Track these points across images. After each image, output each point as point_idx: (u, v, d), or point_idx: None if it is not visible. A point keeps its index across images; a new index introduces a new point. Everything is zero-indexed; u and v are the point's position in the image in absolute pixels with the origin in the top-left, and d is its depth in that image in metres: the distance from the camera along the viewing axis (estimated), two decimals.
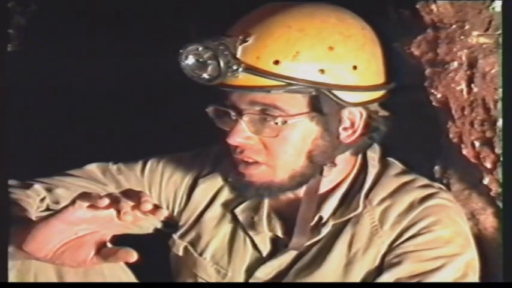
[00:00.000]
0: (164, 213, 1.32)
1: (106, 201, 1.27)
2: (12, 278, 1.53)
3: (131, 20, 1.95)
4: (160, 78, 1.53)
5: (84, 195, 1.31)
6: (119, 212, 1.29)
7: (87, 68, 2.00)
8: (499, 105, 1.41)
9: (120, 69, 1.99)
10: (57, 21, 2.02)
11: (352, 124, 1.51)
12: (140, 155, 1.72)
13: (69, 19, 2.02)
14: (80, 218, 1.31)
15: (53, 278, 1.55)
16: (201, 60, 1.42)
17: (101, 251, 1.35)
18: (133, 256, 1.32)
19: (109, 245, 1.39)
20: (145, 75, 1.88)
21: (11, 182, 1.63)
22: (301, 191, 1.56)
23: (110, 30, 1.97)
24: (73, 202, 1.31)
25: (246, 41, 1.43)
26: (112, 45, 1.96)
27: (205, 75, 1.42)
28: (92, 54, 1.98)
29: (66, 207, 1.32)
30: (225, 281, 1.63)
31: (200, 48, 1.42)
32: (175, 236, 1.68)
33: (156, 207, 1.28)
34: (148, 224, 1.71)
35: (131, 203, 1.27)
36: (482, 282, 1.46)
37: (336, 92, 1.45)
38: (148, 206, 1.26)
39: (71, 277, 1.55)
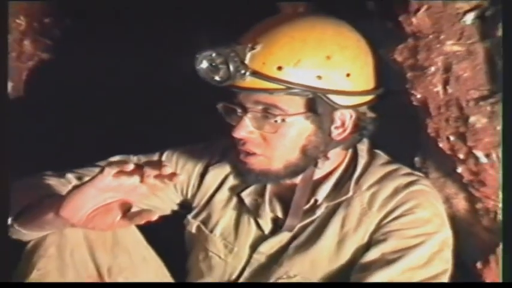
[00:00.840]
0: (180, 178, 1.36)
1: (131, 166, 1.31)
2: (51, 252, 1.52)
3: (154, 30, 1.95)
4: (179, 79, 1.53)
5: (111, 163, 1.35)
6: (141, 179, 1.32)
7: (112, 72, 2.01)
8: (471, 103, 1.40)
9: (141, 72, 1.99)
10: (86, 33, 2.04)
11: (343, 124, 1.52)
12: (160, 145, 1.72)
13: (96, 30, 2.03)
14: (108, 185, 1.33)
15: (85, 254, 1.55)
16: (213, 64, 1.44)
17: (126, 214, 1.37)
18: (155, 215, 1.35)
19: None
20: (165, 77, 1.89)
21: (47, 172, 1.64)
22: (298, 179, 1.56)
23: (134, 41, 1.98)
24: (102, 170, 1.33)
25: (254, 49, 1.44)
26: (137, 52, 1.97)
27: (217, 78, 1.44)
28: (118, 60, 1.99)
29: (96, 174, 1.35)
30: (232, 254, 1.63)
31: (213, 54, 1.43)
32: (189, 216, 1.69)
33: (174, 174, 1.32)
34: (167, 206, 1.71)
35: (153, 169, 1.31)
36: (482, 282, 1.46)
37: (330, 96, 1.46)
38: (168, 170, 1.30)
39: (101, 253, 1.56)
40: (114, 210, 1.37)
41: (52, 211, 1.41)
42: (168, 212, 1.71)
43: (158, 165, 1.33)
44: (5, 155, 1.59)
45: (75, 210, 1.37)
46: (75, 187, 1.41)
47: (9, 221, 1.51)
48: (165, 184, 1.36)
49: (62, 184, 1.60)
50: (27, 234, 1.53)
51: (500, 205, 1.41)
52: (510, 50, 1.30)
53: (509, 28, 1.30)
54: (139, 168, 1.33)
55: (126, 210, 1.38)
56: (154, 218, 1.36)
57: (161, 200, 1.69)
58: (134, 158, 1.70)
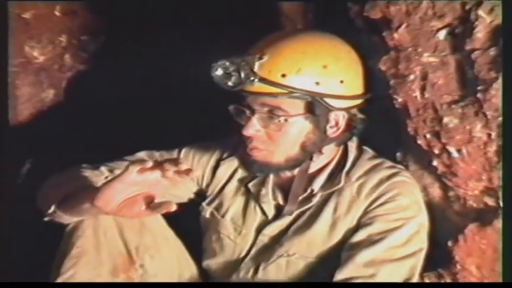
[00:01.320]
0: (195, 173, 1.42)
1: (150, 163, 1.36)
2: (88, 232, 1.57)
3: (175, 43, 2.00)
4: (197, 84, 1.59)
5: (134, 162, 1.40)
6: (162, 174, 1.36)
7: (137, 81, 2.07)
8: (444, 106, 1.44)
9: (164, 81, 2.04)
10: (116, 48, 2.10)
11: (337, 123, 1.56)
12: (179, 142, 1.75)
13: (124, 45, 2.09)
14: (133, 180, 1.38)
15: (116, 235, 1.60)
16: (227, 72, 1.48)
17: (150, 205, 1.41)
18: (174, 206, 1.39)
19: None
20: (185, 83, 1.93)
21: (83, 165, 1.68)
22: (296, 171, 1.60)
23: (159, 51, 2.03)
24: (127, 167, 1.38)
25: (262, 59, 1.48)
26: (161, 61, 2.02)
27: (229, 83, 1.48)
28: (143, 71, 2.05)
29: (123, 171, 1.39)
30: (240, 236, 1.66)
31: (227, 63, 1.48)
32: (204, 204, 1.72)
33: (189, 169, 1.37)
34: (185, 195, 1.74)
35: (173, 166, 1.35)
36: (482, 283, 1.45)
37: (326, 99, 1.50)
38: (183, 166, 1.35)
39: (129, 234, 1.61)
40: (140, 201, 1.41)
41: (88, 201, 1.45)
42: (186, 200, 1.75)
43: (175, 162, 1.37)
44: (4, 155, 1.69)
45: (107, 201, 1.41)
46: (107, 182, 1.44)
47: (53, 208, 1.54)
48: (183, 178, 1.39)
49: (96, 175, 1.63)
50: (67, 219, 1.58)
51: (501, 205, 1.41)
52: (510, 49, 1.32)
53: (509, 29, 1.33)
54: (159, 165, 1.37)
55: (150, 201, 1.42)
56: (173, 209, 1.39)
57: (180, 190, 1.72)
58: (157, 154, 1.72)
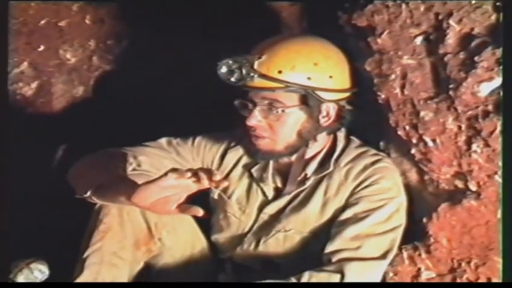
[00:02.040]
0: (225, 183, 1.38)
1: (189, 174, 1.35)
2: (113, 211, 1.57)
3: (190, 46, 2.01)
4: (207, 80, 1.60)
5: (173, 170, 1.38)
6: (197, 182, 1.35)
7: (157, 79, 2.06)
8: (421, 102, 1.44)
9: (177, 78, 2.04)
10: (137, 50, 2.11)
11: (328, 114, 1.57)
12: (192, 132, 1.75)
13: (144, 48, 2.10)
14: (169, 185, 1.37)
15: (138, 213, 1.60)
16: (230, 69, 1.49)
17: (180, 206, 1.40)
18: (200, 212, 1.40)
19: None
20: (195, 80, 1.93)
21: (111, 149, 1.67)
22: (293, 157, 1.60)
23: (173, 54, 2.04)
24: (166, 174, 1.37)
25: (261, 58, 1.50)
26: (175, 62, 2.02)
27: (233, 79, 1.49)
28: (163, 70, 2.05)
29: (161, 176, 1.37)
30: (244, 214, 1.66)
31: (230, 62, 1.49)
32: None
33: (222, 180, 1.36)
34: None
35: (206, 175, 1.35)
36: (482, 283, 1.43)
37: (318, 92, 1.52)
38: (218, 177, 1.35)
39: (149, 213, 1.59)
40: (171, 202, 1.40)
41: (125, 196, 1.44)
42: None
43: (210, 172, 1.36)
44: (4, 157, 1.64)
45: (143, 199, 1.40)
46: (145, 182, 1.41)
47: (89, 193, 1.53)
48: (213, 186, 1.37)
49: (123, 162, 1.62)
50: (99, 202, 1.58)
51: (501, 207, 1.38)
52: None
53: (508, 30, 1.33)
54: (195, 174, 1.36)
55: (180, 202, 1.41)
56: (200, 214, 1.40)
57: None
58: (174, 141, 1.71)
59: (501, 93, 1.35)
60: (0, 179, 1.82)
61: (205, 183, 1.35)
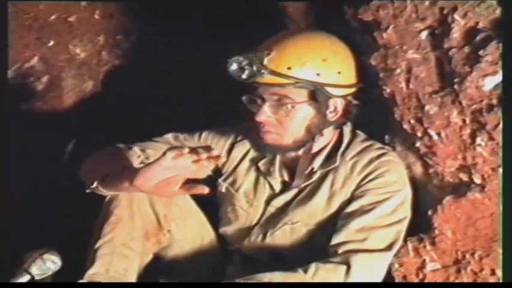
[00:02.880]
0: (223, 159, 1.51)
1: (187, 149, 1.39)
2: (123, 203, 1.59)
3: (198, 42, 2.01)
4: (217, 77, 1.61)
5: (171, 148, 1.42)
6: (196, 159, 1.38)
7: (165, 73, 2.08)
8: (426, 96, 1.45)
9: (185, 73, 2.04)
10: (145, 45, 2.12)
11: (335, 109, 1.57)
12: (200, 127, 1.76)
13: (152, 43, 2.10)
14: (168, 165, 1.40)
15: (147, 205, 1.63)
16: (240, 66, 1.50)
17: (184, 185, 1.45)
18: (206, 189, 1.46)
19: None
20: (206, 76, 1.93)
21: (119, 145, 1.69)
22: (300, 151, 1.62)
23: (182, 49, 2.04)
24: (165, 153, 1.40)
25: (270, 54, 1.50)
26: (184, 58, 2.03)
27: (243, 76, 1.50)
28: (170, 64, 2.05)
29: (160, 156, 1.41)
30: (252, 207, 1.67)
31: (241, 59, 1.50)
32: (220, 180, 1.73)
33: (219, 156, 1.43)
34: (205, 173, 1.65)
35: (204, 150, 1.40)
36: (482, 283, 1.44)
37: (326, 88, 1.53)
38: (215, 152, 1.40)
39: (158, 205, 1.64)
40: (174, 182, 1.43)
41: (128, 181, 1.47)
42: (205, 176, 1.69)
43: (208, 148, 1.40)
44: (3, 157, 1.68)
45: (145, 182, 1.44)
46: (145, 165, 1.45)
47: (95, 183, 1.56)
48: (212, 164, 1.43)
49: (131, 155, 1.65)
50: (106, 193, 1.61)
51: (501, 208, 1.39)
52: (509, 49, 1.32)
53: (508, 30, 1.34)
54: (193, 151, 1.39)
55: (183, 183, 1.44)
56: (206, 191, 1.45)
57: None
58: (181, 136, 1.73)
59: (500, 88, 1.36)
60: (11, 173, 1.87)
61: (203, 159, 1.38)
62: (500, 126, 1.35)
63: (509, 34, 1.33)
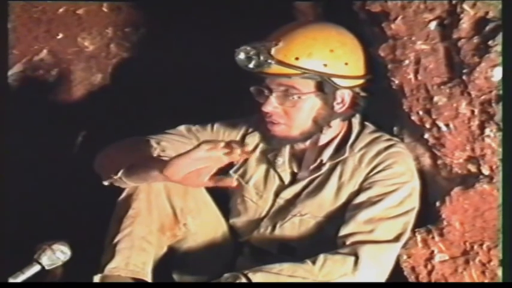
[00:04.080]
0: (256, 153, 1.53)
1: (222, 144, 1.40)
2: (142, 196, 1.60)
3: (206, 33, 2.03)
4: (225, 70, 1.61)
5: (206, 142, 1.43)
6: (230, 153, 1.39)
7: (172, 66, 2.09)
8: (435, 87, 1.45)
9: (194, 65, 2.06)
10: (154, 38, 2.14)
11: (343, 100, 1.58)
12: (211, 118, 1.76)
13: (161, 36, 2.12)
14: (200, 157, 1.40)
15: (165, 199, 1.63)
16: (248, 56, 1.50)
17: (213, 177, 1.44)
18: (235, 182, 1.47)
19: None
20: (214, 69, 1.94)
21: (137, 137, 1.68)
22: (307, 143, 1.62)
23: (191, 41, 2.06)
24: (198, 145, 1.41)
25: (278, 45, 1.51)
26: (192, 49, 2.05)
27: (250, 66, 1.50)
28: (178, 57, 2.07)
29: (194, 148, 1.42)
30: (261, 199, 1.68)
31: (248, 48, 1.50)
32: (231, 172, 1.72)
33: (253, 151, 1.48)
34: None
35: (239, 145, 1.41)
36: (482, 283, 1.45)
37: (333, 79, 1.53)
38: (249, 148, 1.44)
39: (175, 198, 1.64)
40: (204, 174, 1.42)
41: (157, 170, 1.47)
42: (216, 168, 1.67)
43: (241, 144, 1.42)
44: (13, 150, 1.68)
45: (176, 172, 1.43)
46: (177, 155, 1.44)
47: (120, 173, 1.55)
48: (243, 158, 1.46)
49: (149, 146, 1.64)
50: (129, 184, 1.60)
51: (501, 208, 1.40)
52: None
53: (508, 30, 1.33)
54: (228, 145, 1.40)
55: (212, 174, 1.43)
56: (234, 184, 1.46)
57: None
58: (193, 128, 1.74)
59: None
60: (20, 166, 1.90)
61: (237, 152, 1.39)
62: (500, 115, 1.35)
63: (510, 26, 1.32)
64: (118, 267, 1.56)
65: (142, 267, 1.59)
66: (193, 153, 1.41)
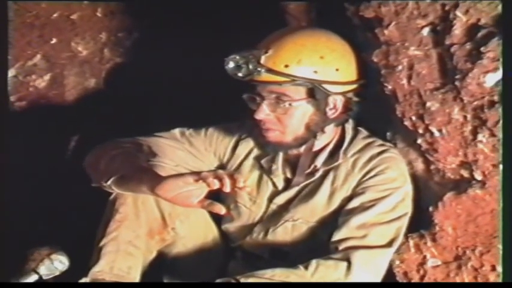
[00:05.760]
0: (247, 189, 1.45)
1: (216, 183, 1.38)
2: (129, 201, 1.59)
3: (197, 39, 2.03)
4: (218, 75, 1.62)
5: (193, 174, 1.44)
6: (220, 186, 1.38)
7: (165, 70, 2.09)
8: (428, 93, 1.46)
9: (186, 68, 2.05)
10: (147, 43, 2.13)
11: (335, 106, 1.58)
12: (204, 123, 1.76)
13: (154, 41, 2.12)
14: (191, 182, 1.41)
15: (153, 203, 1.63)
16: (237, 64, 1.51)
17: (202, 201, 1.44)
18: (223, 210, 1.45)
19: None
20: (207, 74, 1.89)
21: (127, 139, 1.69)
22: (302, 149, 1.62)
23: (182, 47, 2.05)
24: (196, 173, 1.42)
25: (267, 52, 1.51)
26: (185, 54, 2.05)
27: (240, 74, 1.51)
28: (170, 62, 2.07)
29: (189, 173, 1.45)
30: (255, 205, 1.68)
31: (237, 57, 1.51)
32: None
33: (244, 187, 1.40)
34: (207, 169, 1.68)
35: (230, 180, 1.38)
36: (482, 283, 1.45)
37: (324, 85, 1.53)
38: (241, 184, 1.38)
39: (163, 203, 1.60)
40: (194, 196, 1.43)
41: (148, 187, 1.48)
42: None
43: (233, 177, 1.39)
44: (5, 155, 1.69)
45: (167, 192, 1.44)
46: (171, 176, 1.46)
47: (109, 181, 1.55)
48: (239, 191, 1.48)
49: (141, 153, 1.64)
50: (116, 191, 1.60)
51: (501, 206, 1.40)
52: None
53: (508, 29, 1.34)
54: (217, 178, 1.38)
55: (201, 197, 1.44)
56: (222, 212, 1.45)
57: (205, 164, 1.73)
58: (187, 131, 1.73)
59: (500, 85, 1.37)
60: (13, 172, 1.89)
61: (226, 189, 1.38)
62: (501, 122, 1.36)
63: (509, 30, 1.33)
64: (102, 271, 1.57)
65: (127, 272, 1.59)
66: (187, 178, 1.43)
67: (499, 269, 1.41)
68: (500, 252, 1.41)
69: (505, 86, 1.36)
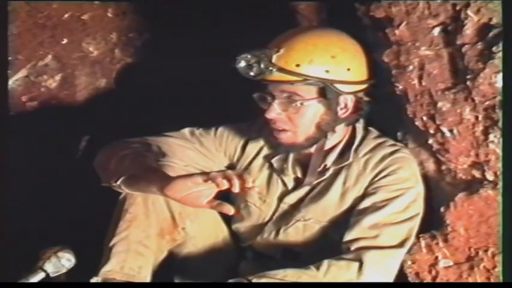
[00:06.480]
0: (256, 189, 1.49)
1: (225, 183, 1.40)
2: (139, 200, 1.60)
3: (209, 39, 2.03)
4: (228, 75, 1.62)
5: (202, 174, 1.45)
6: (230, 186, 1.39)
7: (175, 71, 2.09)
8: (439, 93, 1.46)
9: (196, 67, 2.05)
10: (158, 43, 2.14)
11: (346, 106, 1.58)
12: (215, 123, 1.77)
13: (164, 41, 2.12)
14: (201, 183, 1.43)
15: (163, 203, 1.63)
16: (249, 64, 1.51)
17: (211, 201, 1.45)
18: (231, 210, 1.46)
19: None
20: (218, 74, 1.91)
21: (136, 139, 1.69)
22: (313, 148, 1.62)
23: (193, 47, 2.06)
24: (205, 173, 1.44)
25: (279, 52, 1.52)
26: (195, 54, 2.05)
27: (251, 73, 1.51)
28: (180, 62, 2.07)
29: (198, 173, 1.46)
30: (265, 204, 1.68)
31: (249, 56, 1.51)
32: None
33: (253, 187, 1.41)
34: (217, 168, 1.71)
35: (239, 181, 1.39)
36: (482, 283, 1.45)
37: (336, 85, 1.53)
38: (250, 184, 1.40)
39: (173, 203, 1.60)
40: (203, 196, 1.44)
41: (157, 187, 1.49)
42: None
43: (242, 177, 1.40)
44: (17, 154, 1.70)
45: (176, 192, 1.45)
46: (181, 176, 1.48)
47: (119, 181, 1.56)
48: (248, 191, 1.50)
49: (150, 153, 1.65)
50: (127, 191, 1.61)
51: (501, 207, 1.41)
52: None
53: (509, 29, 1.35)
54: (227, 178, 1.40)
55: (211, 197, 1.45)
56: (231, 213, 1.46)
57: (214, 164, 1.73)
58: (197, 131, 1.73)
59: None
60: (23, 171, 1.91)
61: (235, 188, 1.39)
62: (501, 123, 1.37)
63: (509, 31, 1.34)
64: (113, 270, 1.57)
65: (138, 271, 1.60)
66: (196, 179, 1.44)
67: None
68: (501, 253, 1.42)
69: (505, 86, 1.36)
